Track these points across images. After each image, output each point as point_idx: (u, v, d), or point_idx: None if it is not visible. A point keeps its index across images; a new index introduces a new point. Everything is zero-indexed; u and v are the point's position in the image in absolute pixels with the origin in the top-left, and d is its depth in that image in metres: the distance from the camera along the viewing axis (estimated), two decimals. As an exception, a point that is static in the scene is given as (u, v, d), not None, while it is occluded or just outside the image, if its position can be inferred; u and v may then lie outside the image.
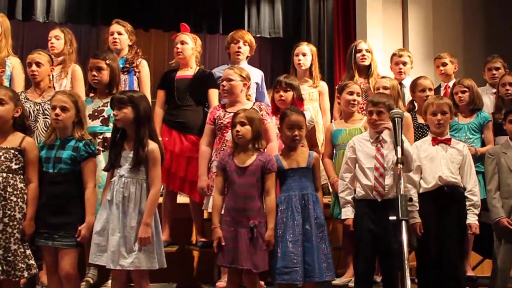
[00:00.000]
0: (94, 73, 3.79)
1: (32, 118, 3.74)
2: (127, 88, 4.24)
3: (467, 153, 3.78)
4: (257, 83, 4.40)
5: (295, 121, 3.48)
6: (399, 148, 2.71)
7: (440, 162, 3.70)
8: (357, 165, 3.58)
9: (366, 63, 4.81)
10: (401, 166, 2.65)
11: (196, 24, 8.36)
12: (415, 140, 4.03)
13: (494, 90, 4.65)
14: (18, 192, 3.21)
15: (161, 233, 3.30)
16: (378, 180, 3.48)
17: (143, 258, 3.12)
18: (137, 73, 4.43)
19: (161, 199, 3.89)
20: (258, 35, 8.42)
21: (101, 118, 3.73)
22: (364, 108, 4.18)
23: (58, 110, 3.27)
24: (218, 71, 4.45)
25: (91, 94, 3.93)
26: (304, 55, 4.69)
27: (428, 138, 3.83)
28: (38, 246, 3.24)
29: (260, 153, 3.42)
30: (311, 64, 4.71)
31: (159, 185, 3.25)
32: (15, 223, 3.16)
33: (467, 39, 7.15)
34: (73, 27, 8.20)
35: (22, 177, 3.26)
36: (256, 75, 4.43)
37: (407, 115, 4.12)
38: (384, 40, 6.93)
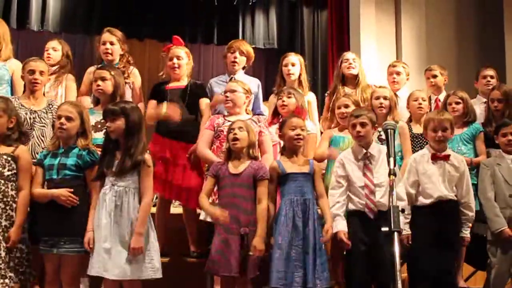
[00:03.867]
0: (99, 82, 3.86)
1: (28, 126, 3.72)
2: (122, 98, 4.23)
3: (465, 168, 3.80)
4: (254, 93, 4.40)
5: (297, 123, 3.54)
6: (391, 159, 2.72)
7: (438, 180, 3.72)
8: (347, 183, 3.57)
9: (354, 72, 4.76)
10: (394, 177, 2.65)
11: (190, 34, 8.38)
12: (412, 151, 4.10)
13: (485, 100, 4.65)
14: (8, 199, 3.21)
15: (156, 241, 3.30)
16: (369, 197, 3.50)
17: (136, 268, 3.12)
18: (130, 83, 4.39)
19: (153, 209, 3.88)
20: (253, 46, 8.40)
21: (104, 130, 3.71)
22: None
23: (63, 120, 3.33)
24: (215, 81, 4.47)
25: (91, 106, 3.95)
26: (293, 65, 4.65)
27: (427, 152, 3.82)
28: (41, 254, 3.25)
29: (253, 161, 3.44)
30: (300, 74, 4.71)
31: (151, 195, 3.26)
32: (0, 230, 3.16)
33: (460, 50, 7.19)
34: (67, 36, 8.22)
35: (14, 184, 3.26)
36: (253, 84, 4.44)
37: (403, 125, 4.18)
38: (378, 51, 6.96)
